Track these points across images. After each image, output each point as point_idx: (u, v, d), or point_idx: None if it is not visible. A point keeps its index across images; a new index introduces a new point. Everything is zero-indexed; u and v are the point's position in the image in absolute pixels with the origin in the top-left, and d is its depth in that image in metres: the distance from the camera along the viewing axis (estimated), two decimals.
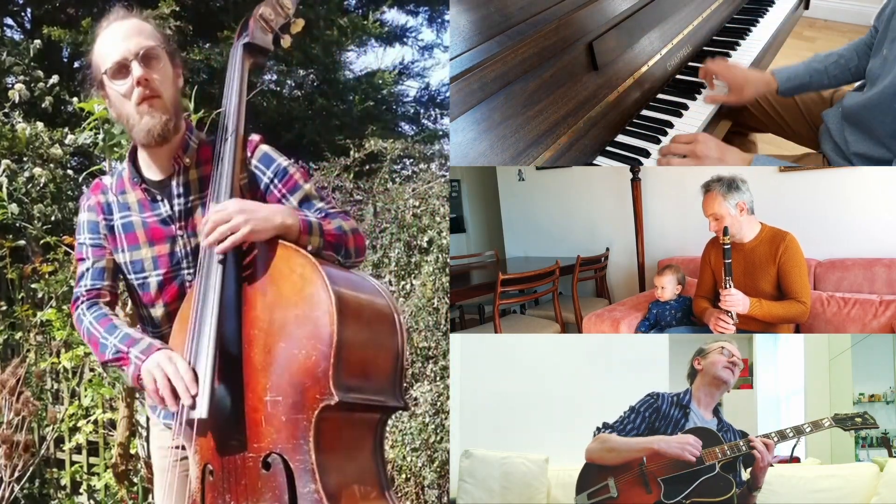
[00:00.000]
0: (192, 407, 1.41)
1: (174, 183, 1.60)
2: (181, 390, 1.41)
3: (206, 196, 1.58)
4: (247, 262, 1.49)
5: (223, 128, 1.55)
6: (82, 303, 1.61)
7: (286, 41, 1.64)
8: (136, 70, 1.50)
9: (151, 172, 1.62)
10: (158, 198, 1.61)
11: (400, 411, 1.70)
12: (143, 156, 1.62)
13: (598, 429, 2.13)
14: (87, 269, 1.63)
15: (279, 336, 1.42)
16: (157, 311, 1.63)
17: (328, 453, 1.39)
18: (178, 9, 5.11)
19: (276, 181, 1.59)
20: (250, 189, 1.59)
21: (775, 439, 2.04)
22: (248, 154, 1.60)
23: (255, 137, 1.63)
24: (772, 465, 2.07)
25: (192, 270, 1.61)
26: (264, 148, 1.62)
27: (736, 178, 2.55)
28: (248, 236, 1.44)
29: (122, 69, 1.51)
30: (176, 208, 1.60)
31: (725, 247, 2.44)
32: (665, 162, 2.19)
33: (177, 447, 1.56)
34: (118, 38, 1.53)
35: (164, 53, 1.56)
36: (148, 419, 3.02)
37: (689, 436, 2.02)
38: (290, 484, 1.38)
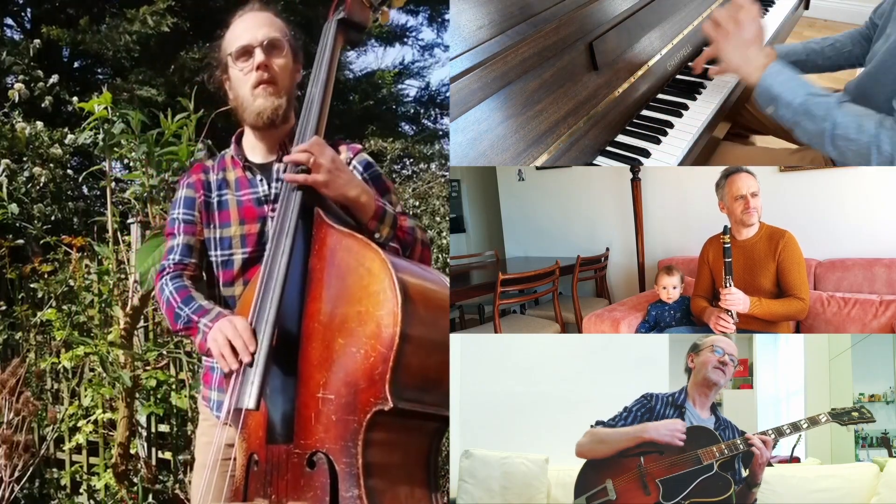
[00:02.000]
0: (250, 364, 1.40)
1: (276, 167, 1.68)
2: (240, 348, 1.41)
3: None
4: (315, 251, 1.45)
5: (308, 106, 1.57)
6: (167, 274, 1.66)
7: (385, 16, 1.65)
8: (259, 56, 1.61)
9: (255, 155, 1.71)
10: (259, 177, 1.69)
11: None
12: (249, 139, 1.72)
13: (592, 426, 2.13)
14: (177, 245, 1.69)
15: (339, 332, 1.36)
16: (237, 290, 1.68)
17: (377, 459, 1.34)
18: (173, 3, 5.12)
19: (369, 182, 1.67)
20: None
21: (773, 436, 2.04)
22: (351, 155, 1.71)
23: (357, 146, 1.75)
24: (770, 465, 2.07)
25: None
26: (365, 155, 1.74)
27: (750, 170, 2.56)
28: (319, 184, 1.47)
29: (246, 53, 1.63)
30: (273, 190, 1.68)
31: (725, 245, 2.44)
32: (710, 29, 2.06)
33: (229, 445, 1.53)
34: (249, 26, 1.65)
35: (288, 47, 1.66)
36: (171, 423, 3.04)
37: (678, 421, 2.00)
38: (334, 486, 1.32)
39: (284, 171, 1.66)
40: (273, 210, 1.66)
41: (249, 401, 1.38)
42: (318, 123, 1.55)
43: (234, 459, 1.48)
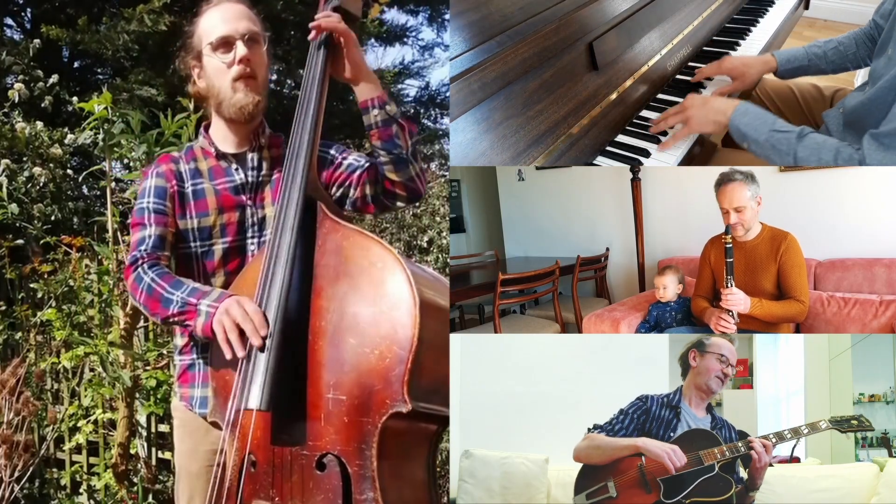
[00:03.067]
0: (262, 349, 1.36)
1: (250, 156, 1.69)
2: (250, 332, 1.37)
3: (275, 174, 1.67)
4: (319, 247, 1.42)
5: (305, 97, 1.57)
6: (142, 263, 1.58)
7: (375, 10, 1.67)
8: (241, 49, 1.60)
9: (227, 145, 1.70)
10: (234, 166, 1.68)
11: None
12: (220, 129, 1.71)
13: (589, 429, 2.13)
14: (149, 235, 1.62)
15: (350, 331, 1.33)
16: (217, 281, 1.65)
17: (389, 461, 1.32)
18: (168, 1, 5.11)
19: (336, 153, 1.72)
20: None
21: (773, 441, 2.04)
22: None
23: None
24: (772, 465, 2.07)
25: (256, 241, 1.65)
26: (323, 140, 1.72)
27: (751, 171, 2.55)
28: (345, 31, 1.53)
29: (226, 44, 1.61)
30: (249, 178, 1.68)
31: (727, 246, 2.44)
32: (671, 141, 2.21)
33: (218, 451, 1.48)
34: (228, 17, 1.63)
35: (263, 42, 1.66)
36: (170, 423, 3.04)
37: (677, 447, 1.99)
38: (346, 488, 1.31)
39: (258, 163, 1.70)
40: (251, 199, 1.67)
41: (259, 401, 1.35)
42: (317, 115, 1.55)
43: (221, 464, 1.44)
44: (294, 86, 6.77)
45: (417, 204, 4.02)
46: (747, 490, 2.02)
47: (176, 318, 1.51)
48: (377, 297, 1.33)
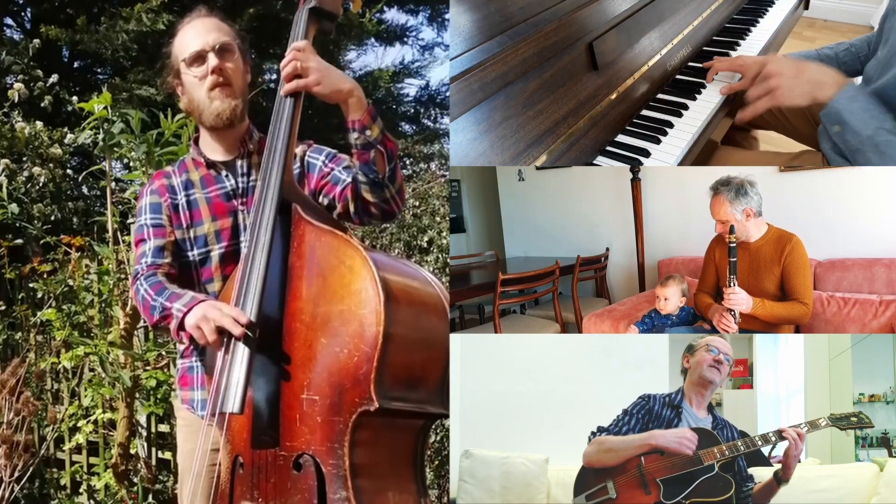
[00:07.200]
0: (243, 340, 1.37)
1: (239, 163, 1.73)
2: (229, 325, 1.39)
3: None
4: (294, 249, 1.43)
5: (280, 99, 1.57)
6: (141, 275, 1.65)
7: (357, 4, 1.66)
8: (212, 60, 1.64)
9: (216, 154, 1.74)
10: (224, 173, 1.72)
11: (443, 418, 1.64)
12: (207, 140, 1.75)
13: (593, 433, 2.12)
14: (149, 248, 1.69)
15: (321, 331, 1.34)
16: (216, 286, 1.69)
17: (363, 459, 1.33)
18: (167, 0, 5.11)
19: (326, 161, 1.73)
20: (304, 176, 1.72)
21: (773, 439, 2.04)
22: (306, 147, 1.75)
23: (310, 141, 1.78)
24: (770, 464, 2.07)
25: None
26: (316, 145, 1.79)
27: (745, 181, 2.52)
28: (311, 84, 1.51)
29: (199, 58, 1.66)
30: (240, 183, 1.72)
31: (731, 245, 2.43)
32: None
33: (214, 450, 1.52)
34: (199, 32, 1.68)
35: (237, 50, 1.70)
36: (170, 423, 3.04)
37: (686, 430, 2.01)
38: (321, 488, 1.31)
39: (248, 169, 1.72)
40: (243, 204, 1.70)
41: (234, 405, 1.35)
42: (294, 113, 1.55)
43: (220, 448, 1.47)
44: None
45: (417, 204, 4.02)
46: (778, 482, 2.01)
47: (161, 323, 1.57)
48: (345, 296, 1.34)
